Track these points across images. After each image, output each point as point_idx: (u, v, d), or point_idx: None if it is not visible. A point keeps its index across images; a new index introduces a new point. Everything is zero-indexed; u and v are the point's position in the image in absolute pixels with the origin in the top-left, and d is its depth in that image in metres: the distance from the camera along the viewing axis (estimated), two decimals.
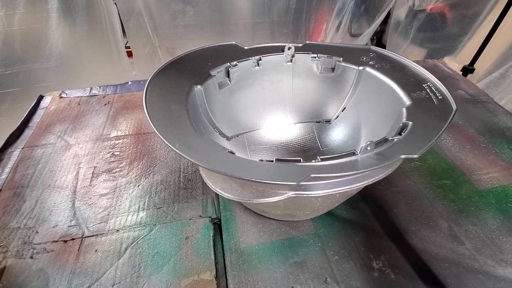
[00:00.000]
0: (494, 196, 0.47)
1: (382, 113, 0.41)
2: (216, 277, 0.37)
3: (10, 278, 0.37)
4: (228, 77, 0.46)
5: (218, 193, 0.32)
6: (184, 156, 0.28)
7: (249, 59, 0.46)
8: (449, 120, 0.31)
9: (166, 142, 0.29)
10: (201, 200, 0.46)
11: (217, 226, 0.43)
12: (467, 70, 0.96)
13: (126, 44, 1.31)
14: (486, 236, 0.42)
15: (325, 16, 1.41)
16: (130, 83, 0.70)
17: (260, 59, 0.47)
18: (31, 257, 0.39)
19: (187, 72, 0.41)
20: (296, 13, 1.33)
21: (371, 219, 0.44)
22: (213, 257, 0.39)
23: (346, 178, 0.28)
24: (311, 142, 0.52)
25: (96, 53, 1.27)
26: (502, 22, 0.96)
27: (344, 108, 0.48)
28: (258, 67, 0.47)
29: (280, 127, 0.52)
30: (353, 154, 0.29)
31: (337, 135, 0.50)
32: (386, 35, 1.56)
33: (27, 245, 0.41)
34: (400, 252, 0.40)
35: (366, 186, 0.34)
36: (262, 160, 0.30)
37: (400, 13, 1.39)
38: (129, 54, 1.35)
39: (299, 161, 0.29)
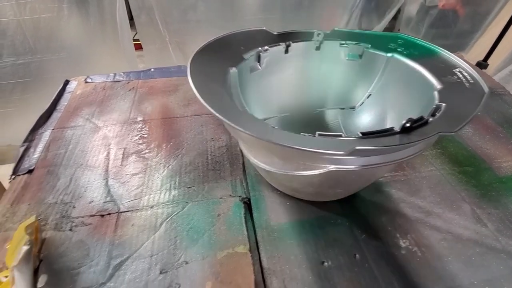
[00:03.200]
0: None
1: (410, 98, 0.42)
2: (250, 251, 0.38)
3: (51, 249, 0.39)
4: (259, 61, 0.47)
5: (259, 166, 0.33)
6: (232, 125, 0.29)
7: (279, 45, 0.48)
8: (483, 101, 0.33)
9: (214, 111, 0.30)
10: (229, 181, 0.47)
11: (247, 205, 0.44)
12: (481, 65, 0.97)
13: (134, 37, 1.32)
14: (508, 219, 0.43)
15: (336, 12, 1.42)
16: (152, 69, 0.72)
17: (289, 45, 0.48)
18: (70, 230, 0.41)
19: (223, 55, 0.43)
20: (309, 9, 1.33)
21: (396, 201, 0.45)
22: (245, 232, 0.40)
23: (388, 153, 0.29)
24: (335, 129, 0.53)
25: (107, 45, 1.27)
26: None
27: (370, 94, 0.49)
28: (287, 52, 0.48)
29: (304, 113, 0.53)
30: (392, 130, 0.31)
31: (361, 121, 0.51)
32: (395, 31, 1.57)
33: (65, 218, 0.42)
34: (426, 232, 0.41)
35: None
36: (304, 134, 0.31)
37: (412, 9, 1.40)
38: (137, 47, 1.35)
39: (341, 135, 0.30)
